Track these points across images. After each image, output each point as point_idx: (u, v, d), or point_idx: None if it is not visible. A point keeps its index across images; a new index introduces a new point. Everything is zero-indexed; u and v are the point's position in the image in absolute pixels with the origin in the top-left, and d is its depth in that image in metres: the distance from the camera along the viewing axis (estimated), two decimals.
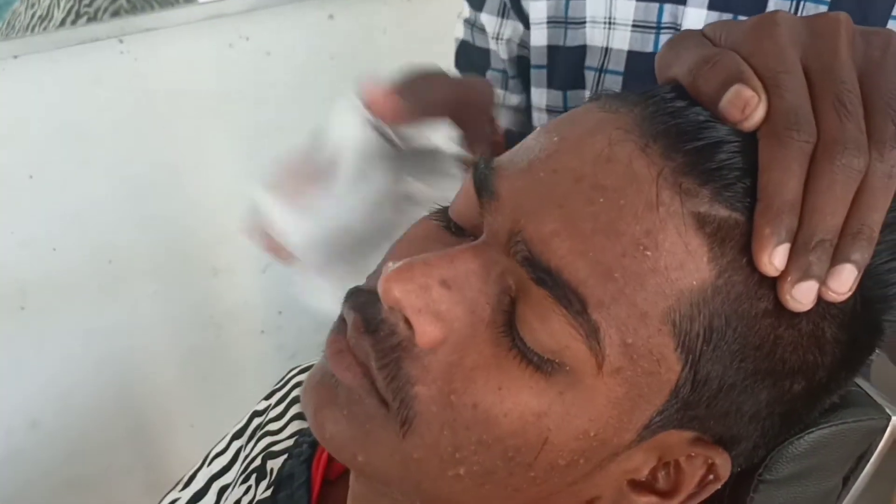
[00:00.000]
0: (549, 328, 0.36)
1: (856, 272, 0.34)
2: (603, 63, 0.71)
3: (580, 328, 0.35)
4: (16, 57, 1.29)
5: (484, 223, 0.39)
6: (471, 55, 0.86)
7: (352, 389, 0.39)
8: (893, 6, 0.62)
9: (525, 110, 0.87)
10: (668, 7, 0.67)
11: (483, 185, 0.39)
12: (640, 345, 0.35)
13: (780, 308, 0.35)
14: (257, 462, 0.56)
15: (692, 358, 0.36)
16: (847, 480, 0.50)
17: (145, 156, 1.43)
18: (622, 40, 0.70)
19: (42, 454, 1.54)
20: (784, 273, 0.34)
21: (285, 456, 0.55)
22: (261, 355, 1.67)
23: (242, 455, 0.59)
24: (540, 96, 0.79)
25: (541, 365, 0.37)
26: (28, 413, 1.51)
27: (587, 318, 0.35)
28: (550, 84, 0.78)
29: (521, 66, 0.84)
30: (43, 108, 1.34)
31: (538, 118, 0.81)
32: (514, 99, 0.86)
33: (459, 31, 0.87)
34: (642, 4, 0.68)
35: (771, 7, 0.63)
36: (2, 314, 1.42)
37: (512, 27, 0.81)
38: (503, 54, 0.83)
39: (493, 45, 0.84)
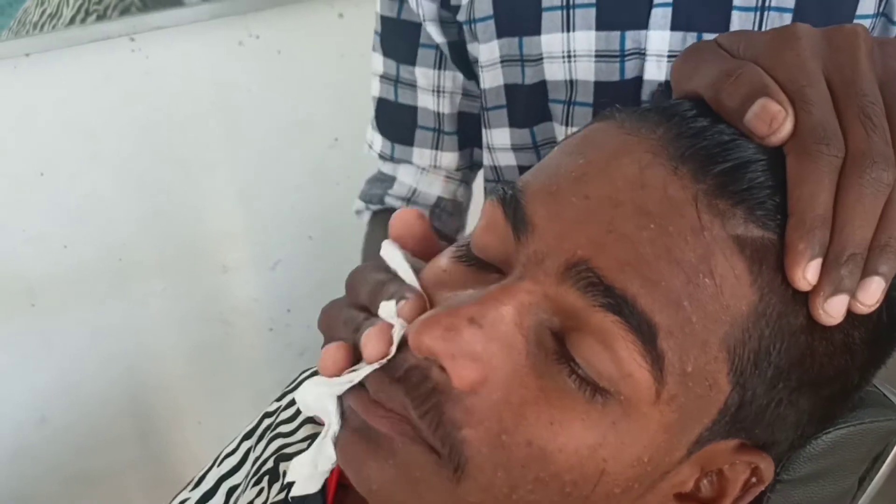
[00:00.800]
0: (615, 356, 0.35)
1: (884, 284, 0.34)
2: (571, 96, 0.69)
3: (647, 356, 0.35)
4: (27, 55, 1.29)
5: (519, 255, 0.38)
6: (394, 114, 0.82)
7: (393, 438, 0.38)
8: (856, 9, 0.61)
9: (461, 170, 0.84)
10: (629, 34, 0.65)
11: (515, 215, 0.38)
12: (697, 372, 0.35)
13: (812, 322, 0.35)
14: (269, 464, 0.56)
15: (742, 379, 0.36)
16: (863, 481, 0.50)
17: (155, 153, 1.43)
18: (587, 71, 0.68)
19: (51, 449, 1.54)
20: (816, 288, 0.34)
21: None
22: (269, 353, 1.67)
23: (252, 456, 0.59)
24: (503, 136, 0.76)
25: (594, 395, 0.36)
26: (37, 409, 1.51)
27: (656, 346, 0.35)
28: (512, 123, 0.75)
29: (462, 122, 0.81)
30: (53, 106, 1.34)
31: (502, 158, 0.77)
32: (447, 158, 0.82)
33: (375, 90, 0.82)
34: (602, 34, 0.66)
35: (735, 23, 0.62)
36: (12, 311, 1.43)
37: (451, 77, 0.78)
38: (445, 108, 0.79)
39: (426, 101, 0.80)
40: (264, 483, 0.56)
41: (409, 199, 0.85)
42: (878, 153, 0.34)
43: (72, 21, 1.38)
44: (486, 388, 0.36)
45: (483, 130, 0.77)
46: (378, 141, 0.84)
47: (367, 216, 0.88)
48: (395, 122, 0.82)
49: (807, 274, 0.34)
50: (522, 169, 0.77)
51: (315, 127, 1.50)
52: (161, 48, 1.37)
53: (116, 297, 1.51)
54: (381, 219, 0.86)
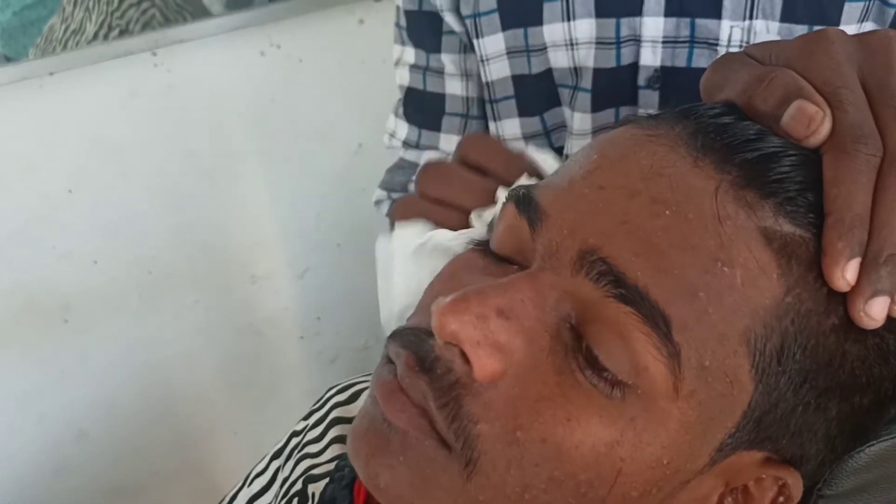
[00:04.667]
0: (631, 347, 0.34)
1: None
2: (576, 82, 0.71)
3: (662, 349, 0.34)
4: (51, 74, 1.30)
5: (536, 246, 0.38)
6: (423, 102, 0.83)
7: (407, 433, 0.37)
8: (842, 11, 0.62)
9: None
10: (624, 21, 0.67)
11: (529, 208, 0.38)
12: (716, 367, 0.34)
13: (847, 323, 0.35)
14: (298, 486, 0.56)
15: (765, 378, 0.35)
16: None
17: (182, 166, 1.44)
18: (587, 58, 0.70)
19: (89, 463, 1.56)
20: (856, 289, 0.33)
21: (326, 480, 0.54)
22: (301, 361, 1.67)
23: (281, 476, 0.59)
24: (513, 126, 0.77)
25: (612, 389, 0.35)
26: (75, 424, 1.53)
27: (671, 339, 0.34)
28: (522, 112, 0.76)
29: (481, 106, 0.81)
30: (79, 123, 1.35)
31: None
32: None
33: (404, 79, 0.84)
34: (601, 21, 0.68)
35: (727, 8, 0.63)
36: (46, 328, 1.44)
37: (473, 61, 0.79)
38: (473, 91, 0.80)
39: (454, 88, 0.81)
40: None
41: None
42: None
43: (95, 36, 1.40)
44: (505, 381, 0.36)
45: (491, 124, 0.79)
46: (403, 128, 0.85)
47: (387, 206, 0.88)
48: (424, 109, 0.83)
49: (846, 274, 0.33)
50: None
51: (339, 134, 1.50)
52: (183, 62, 1.37)
53: (148, 311, 1.51)
54: None
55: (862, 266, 0.33)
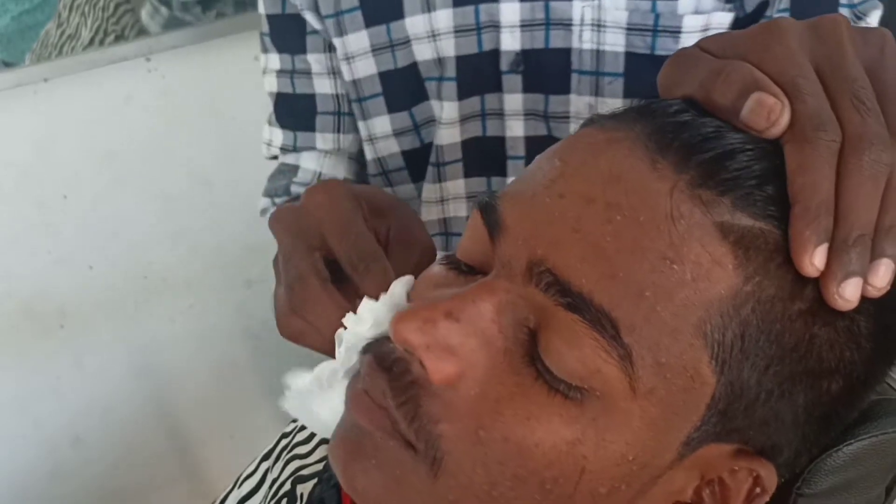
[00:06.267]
0: (579, 353, 0.35)
1: (893, 266, 0.34)
2: (441, 72, 0.72)
3: (612, 352, 0.34)
4: (46, 80, 1.31)
5: (494, 255, 0.38)
6: (294, 105, 0.82)
7: (374, 435, 0.38)
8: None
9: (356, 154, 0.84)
10: (483, 7, 0.69)
11: (490, 218, 0.39)
12: (672, 362, 0.35)
13: (815, 307, 0.35)
14: (287, 486, 0.56)
15: (727, 368, 0.35)
16: (890, 490, 0.48)
17: (176, 171, 1.44)
18: (449, 48, 0.71)
19: (85, 468, 1.56)
20: (828, 273, 0.34)
21: (315, 480, 0.55)
22: (297, 365, 1.67)
23: (270, 477, 0.59)
24: (383, 124, 0.78)
25: (568, 392, 0.36)
26: (71, 429, 1.53)
27: (620, 341, 0.34)
28: (391, 109, 0.77)
29: (348, 103, 0.82)
30: (74, 129, 1.36)
31: (384, 147, 0.79)
32: (348, 140, 0.82)
33: (273, 86, 0.83)
34: (459, 10, 0.69)
35: None
36: (42, 333, 1.44)
37: (336, 59, 0.79)
38: (342, 89, 0.80)
39: (323, 86, 0.80)
40: None
41: None
42: (874, 135, 0.34)
43: (91, 42, 1.40)
44: (464, 383, 0.37)
45: (360, 124, 0.79)
46: (279, 135, 0.84)
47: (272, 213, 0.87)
48: (296, 112, 0.82)
49: (814, 260, 0.33)
50: (406, 154, 0.79)
51: None
52: (177, 67, 1.37)
53: (144, 316, 1.52)
54: None
55: (832, 250, 0.33)
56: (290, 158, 0.85)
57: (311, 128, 0.82)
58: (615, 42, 0.69)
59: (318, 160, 0.83)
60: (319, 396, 0.44)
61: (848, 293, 0.34)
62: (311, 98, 0.81)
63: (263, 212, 0.86)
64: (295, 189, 0.83)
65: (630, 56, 0.69)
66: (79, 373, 1.49)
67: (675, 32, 0.68)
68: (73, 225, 1.41)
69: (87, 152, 1.38)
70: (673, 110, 0.37)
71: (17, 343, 1.43)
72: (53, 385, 1.48)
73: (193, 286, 1.54)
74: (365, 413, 0.38)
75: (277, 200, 0.84)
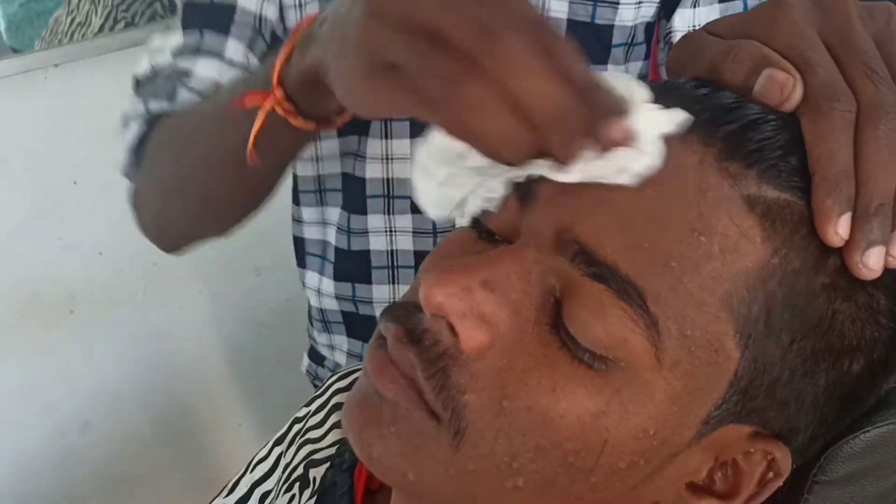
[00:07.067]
0: (605, 323, 0.35)
1: None
2: None
3: (639, 321, 0.34)
4: (56, 65, 1.31)
5: (522, 225, 0.38)
6: (208, 10, 0.72)
7: (397, 404, 0.38)
8: None
9: None
10: None
11: (523, 189, 0.39)
12: (698, 335, 0.35)
13: (837, 281, 0.35)
14: (300, 471, 0.56)
15: (751, 343, 0.35)
16: None
17: None
18: None
19: (94, 454, 1.57)
20: (851, 243, 0.34)
21: (327, 464, 0.55)
22: (304, 352, 1.68)
23: (283, 462, 0.59)
24: None
25: (593, 363, 0.36)
26: (80, 415, 1.54)
27: (646, 310, 0.34)
28: None
29: (274, 38, 0.74)
30: (84, 115, 1.36)
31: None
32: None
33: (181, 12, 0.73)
34: None
35: None
36: (52, 319, 1.45)
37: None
38: (270, 13, 0.72)
39: (248, 3, 0.71)
40: (295, 490, 0.56)
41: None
42: (890, 104, 0.34)
43: (101, 29, 1.40)
44: (492, 352, 0.37)
45: None
46: (176, 40, 0.72)
47: (137, 126, 0.73)
48: (209, 15, 0.72)
49: (838, 229, 0.33)
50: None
51: None
52: None
53: (153, 302, 1.52)
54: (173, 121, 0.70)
55: (854, 220, 0.33)
56: (183, 62, 0.71)
57: (224, 30, 0.71)
58: (559, 9, 0.73)
59: (220, 69, 0.70)
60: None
61: (872, 262, 0.34)
62: (230, 8, 0.72)
63: (125, 124, 0.75)
64: (183, 95, 0.69)
65: (571, 23, 0.74)
66: (88, 358, 1.50)
67: (614, 4, 0.74)
68: (83, 211, 1.41)
69: (97, 138, 1.37)
70: (691, 86, 0.37)
71: (27, 329, 1.43)
72: (62, 371, 1.49)
73: (203, 273, 1.54)
74: (391, 383, 0.38)
75: (153, 105, 0.71)
